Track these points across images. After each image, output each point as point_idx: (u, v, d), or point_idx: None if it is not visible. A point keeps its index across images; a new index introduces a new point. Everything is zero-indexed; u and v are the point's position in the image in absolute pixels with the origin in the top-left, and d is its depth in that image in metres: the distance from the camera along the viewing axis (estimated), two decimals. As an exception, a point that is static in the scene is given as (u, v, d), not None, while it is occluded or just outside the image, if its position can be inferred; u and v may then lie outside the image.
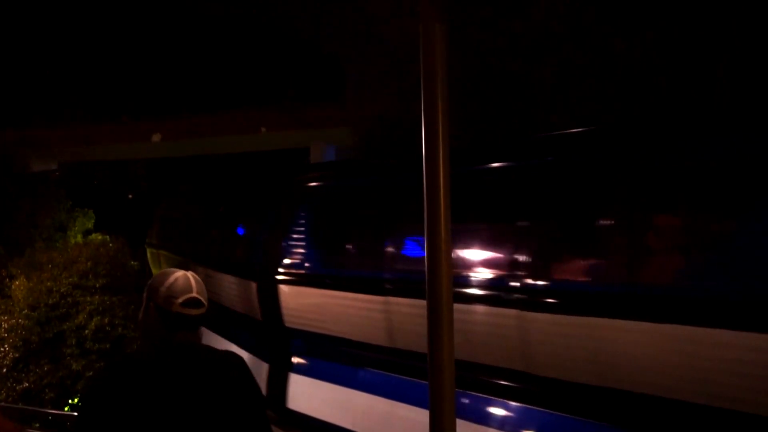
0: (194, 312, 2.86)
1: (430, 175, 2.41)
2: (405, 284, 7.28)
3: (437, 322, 2.23)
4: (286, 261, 9.37)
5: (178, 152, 25.46)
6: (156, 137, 24.24)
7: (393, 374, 7.69)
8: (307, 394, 8.88)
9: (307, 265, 9.25)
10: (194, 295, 2.86)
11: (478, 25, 12.12)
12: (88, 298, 12.41)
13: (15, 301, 12.61)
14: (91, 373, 11.55)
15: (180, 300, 2.83)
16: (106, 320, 12.12)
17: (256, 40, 27.39)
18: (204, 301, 2.89)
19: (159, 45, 27.97)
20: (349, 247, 8.91)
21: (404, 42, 11.74)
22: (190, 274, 2.95)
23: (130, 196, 27.64)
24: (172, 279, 2.89)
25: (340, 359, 8.54)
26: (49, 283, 12.61)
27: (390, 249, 8.02)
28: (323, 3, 21.65)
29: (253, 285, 9.85)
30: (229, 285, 10.83)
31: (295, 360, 9.33)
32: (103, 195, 25.30)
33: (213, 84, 27.52)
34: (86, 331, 11.94)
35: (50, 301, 12.30)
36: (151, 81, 27.58)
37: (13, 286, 13.00)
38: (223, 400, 2.80)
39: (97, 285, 12.71)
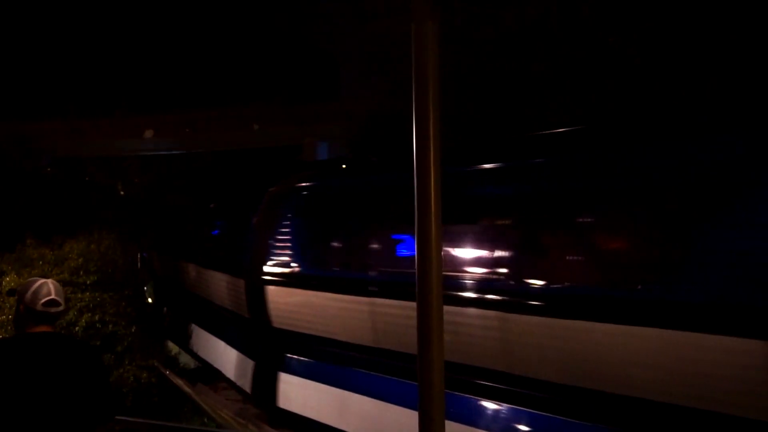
0: (53, 310, 3.84)
1: (421, 172, 2.39)
2: (192, 254, 14.89)
3: (427, 323, 2.21)
4: (161, 243, 19.03)
5: (170, 148, 25.38)
6: (148, 133, 24.14)
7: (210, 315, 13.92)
8: (175, 326, 16.20)
9: (166, 244, 18.48)
10: (53, 297, 3.84)
11: (472, 22, 12.09)
12: (79, 295, 12.33)
13: (5, 298, 12.56)
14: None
15: (42, 301, 3.80)
16: (97, 317, 12.03)
17: (250, 36, 27.29)
18: (61, 301, 3.89)
19: (152, 41, 27.83)
20: (177, 235, 17.57)
21: (397, 39, 11.71)
22: (50, 281, 3.93)
23: (122, 193, 27.52)
24: (36, 286, 3.86)
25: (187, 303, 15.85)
26: (39, 280, 12.54)
27: (189, 237, 16.12)
28: (317, 0, 21.58)
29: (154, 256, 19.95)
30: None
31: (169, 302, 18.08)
32: (94, 190, 25.15)
33: (206, 80, 27.41)
34: (77, 328, 11.85)
35: (41, 298, 12.23)
36: (144, 77, 27.44)
37: (3, 283, 12.92)
38: (72, 373, 3.75)
39: (88, 282, 12.65)
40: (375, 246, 8.34)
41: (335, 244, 9.31)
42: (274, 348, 10.21)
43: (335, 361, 8.90)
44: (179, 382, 12.21)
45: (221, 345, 12.82)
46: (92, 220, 17.30)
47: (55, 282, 3.97)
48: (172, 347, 15.20)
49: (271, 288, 9.96)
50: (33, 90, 26.06)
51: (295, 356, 9.78)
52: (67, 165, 24.57)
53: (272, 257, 10.06)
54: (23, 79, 25.94)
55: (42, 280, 3.92)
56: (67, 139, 23.74)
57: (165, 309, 18.05)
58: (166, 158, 26.72)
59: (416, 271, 2.32)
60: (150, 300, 18.96)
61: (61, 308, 3.90)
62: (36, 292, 3.83)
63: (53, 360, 3.76)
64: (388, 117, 15.25)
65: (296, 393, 9.56)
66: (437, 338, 2.16)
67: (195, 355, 14.23)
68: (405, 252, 7.66)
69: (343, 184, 10.08)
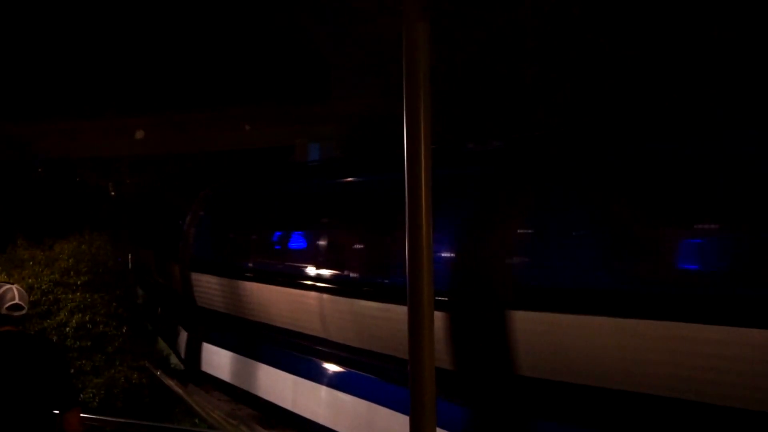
0: (16, 314, 4.36)
1: (412, 172, 2.40)
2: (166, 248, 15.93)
3: (418, 325, 2.22)
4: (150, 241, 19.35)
5: (161, 149, 25.32)
6: (139, 134, 24.09)
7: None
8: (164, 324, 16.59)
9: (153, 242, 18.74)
10: (17, 301, 4.35)
11: (463, 23, 12.11)
12: (70, 296, 12.27)
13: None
14: (72, 371, 11.46)
15: (6, 305, 4.30)
16: (88, 317, 11.97)
17: (241, 37, 27.25)
18: (24, 305, 4.41)
19: (144, 42, 27.77)
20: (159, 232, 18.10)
21: (389, 40, 11.72)
22: (15, 287, 4.46)
23: (113, 193, 27.45)
24: (1, 291, 4.36)
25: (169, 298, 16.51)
26: (30, 280, 12.48)
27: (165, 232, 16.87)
28: (309, 1, 21.57)
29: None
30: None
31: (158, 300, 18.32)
32: (86, 191, 25.10)
33: (198, 81, 27.35)
34: (67, 329, 11.79)
35: (31, 299, 12.12)
36: (135, 78, 27.37)
37: (-7, 283, 12.87)
38: (34, 367, 4.30)
39: (79, 282, 12.59)
40: (259, 241, 11.08)
41: (232, 238, 12.08)
42: (198, 322, 13.09)
43: (238, 334, 11.54)
44: (170, 382, 12.18)
45: (174, 324, 15.17)
46: (83, 221, 17.27)
47: (19, 288, 4.52)
48: (163, 347, 15.20)
49: (193, 273, 12.87)
50: (24, 91, 25.96)
51: (212, 329, 12.54)
52: (59, 166, 24.50)
53: (194, 248, 13.12)
54: (14, 81, 25.84)
55: (7, 286, 4.44)
56: (58, 141, 23.65)
57: (159, 309, 18.12)
58: (158, 159, 26.66)
59: (407, 272, 2.33)
60: (141, 300, 19.00)
61: (24, 311, 4.43)
62: (1, 297, 4.32)
63: (14, 355, 4.34)
64: (379, 118, 15.27)
65: (213, 359, 12.04)
66: (428, 340, 2.17)
67: (172, 347, 15.43)
68: (284, 247, 10.28)
69: (240, 191, 13.51)
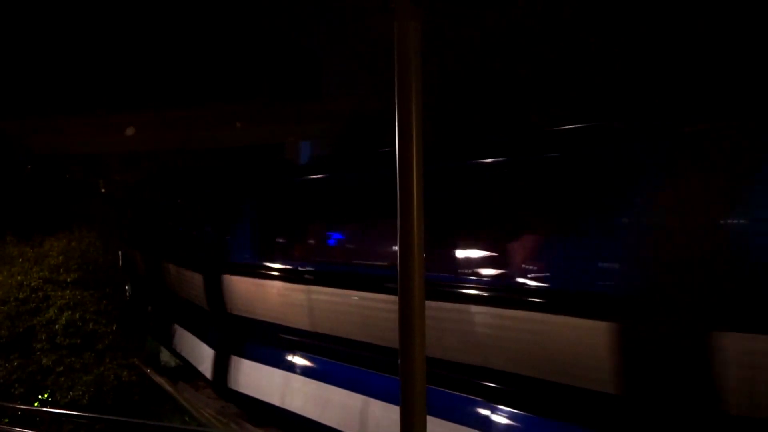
0: None
1: (404, 170, 2.40)
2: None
3: (409, 319, 2.22)
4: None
5: (151, 146, 25.22)
6: (130, 131, 23.98)
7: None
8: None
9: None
10: None
11: (455, 22, 12.12)
12: (59, 293, 12.27)
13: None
14: (61, 368, 11.46)
15: None
16: (77, 315, 11.98)
17: (233, 35, 27.22)
18: None
19: (134, 37, 27.69)
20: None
21: (381, 37, 11.70)
22: None
23: (103, 190, 27.35)
24: None
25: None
26: (19, 277, 12.46)
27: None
28: (300, -2, 21.56)
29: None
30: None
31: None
32: (75, 188, 24.98)
33: (188, 78, 27.30)
34: (57, 326, 11.79)
35: (21, 296, 12.14)
36: (126, 74, 27.29)
37: (-17, 280, 12.81)
38: None
39: (69, 279, 12.58)
40: (159, 227, 15.85)
41: (145, 224, 17.27)
42: (137, 286, 18.15)
43: (165, 299, 15.57)
44: (160, 380, 12.18)
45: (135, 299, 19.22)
46: (73, 218, 17.20)
47: None
48: (153, 345, 15.21)
49: (128, 251, 18.29)
50: (13, 88, 25.83)
51: (149, 294, 17.26)
52: (48, 162, 24.35)
53: (129, 230, 18.38)
54: (2, 77, 25.70)
55: None
56: (47, 137, 23.53)
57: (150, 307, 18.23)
58: (150, 156, 26.56)
59: (398, 267, 2.34)
60: (130, 297, 19.08)
61: None
62: None
63: None
64: (371, 116, 15.28)
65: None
66: (419, 333, 2.18)
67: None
68: (185, 234, 14.40)
69: (145, 187, 18.81)
